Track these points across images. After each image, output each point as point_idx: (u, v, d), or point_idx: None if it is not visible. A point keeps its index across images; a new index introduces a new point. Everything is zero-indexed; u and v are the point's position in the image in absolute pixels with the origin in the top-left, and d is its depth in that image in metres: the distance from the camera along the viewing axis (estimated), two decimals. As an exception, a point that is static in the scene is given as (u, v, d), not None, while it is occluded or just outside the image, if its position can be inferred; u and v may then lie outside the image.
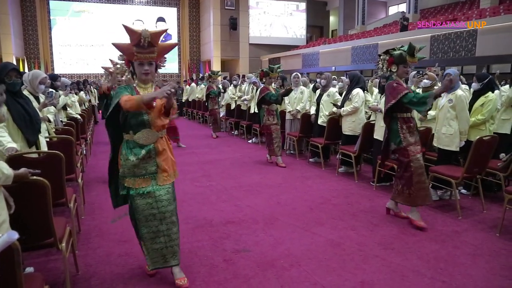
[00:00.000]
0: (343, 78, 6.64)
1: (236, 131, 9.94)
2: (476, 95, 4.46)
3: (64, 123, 5.29)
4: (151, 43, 2.44)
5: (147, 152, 2.54)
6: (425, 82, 4.80)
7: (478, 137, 3.79)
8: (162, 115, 2.55)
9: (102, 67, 5.56)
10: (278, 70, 6.21)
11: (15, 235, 1.13)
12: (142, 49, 2.43)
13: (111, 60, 5.55)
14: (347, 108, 5.47)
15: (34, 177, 2.14)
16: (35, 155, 3.02)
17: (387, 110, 3.75)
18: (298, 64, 20.71)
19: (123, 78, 2.72)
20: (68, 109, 6.16)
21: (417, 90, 5.15)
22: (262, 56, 23.81)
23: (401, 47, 3.70)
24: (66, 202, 3.10)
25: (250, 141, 8.76)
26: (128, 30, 2.43)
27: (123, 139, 2.61)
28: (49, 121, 4.14)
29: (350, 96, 5.49)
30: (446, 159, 4.33)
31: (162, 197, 2.59)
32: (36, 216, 2.15)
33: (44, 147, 3.32)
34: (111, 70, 5.29)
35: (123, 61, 2.76)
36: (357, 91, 5.47)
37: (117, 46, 2.52)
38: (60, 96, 5.29)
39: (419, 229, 3.60)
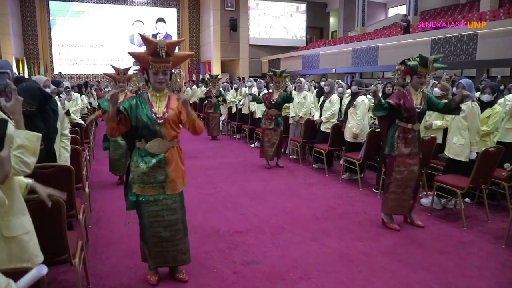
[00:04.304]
0: (343, 83, 6.66)
1: (238, 134, 9.95)
2: (483, 106, 4.44)
3: (69, 129, 5.28)
4: (167, 53, 2.47)
5: (157, 161, 2.58)
6: (436, 91, 4.82)
7: (484, 148, 3.82)
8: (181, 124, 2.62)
9: (104, 74, 5.58)
10: (284, 74, 6.23)
11: (44, 270, 1.14)
12: (157, 59, 2.47)
13: (112, 66, 5.58)
14: (354, 123, 5.47)
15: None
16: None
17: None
18: (299, 65, 20.73)
19: (137, 85, 2.74)
20: (71, 114, 6.15)
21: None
22: (262, 57, 23.82)
23: (417, 57, 3.68)
24: (75, 214, 3.12)
25: (252, 145, 8.77)
26: (145, 39, 2.47)
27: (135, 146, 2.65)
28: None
29: (354, 103, 5.52)
30: (454, 169, 4.34)
31: (169, 206, 2.66)
32: (51, 234, 2.16)
33: (61, 159, 3.29)
34: (116, 76, 5.32)
35: (138, 68, 2.77)
36: (362, 98, 5.50)
37: (133, 54, 2.56)
38: (64, 101, 5.29)
39: (394, 230, 3.87)
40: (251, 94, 6.82)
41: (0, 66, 2.09)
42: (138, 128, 2.54)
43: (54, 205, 2.14)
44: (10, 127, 1.91)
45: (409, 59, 3.72)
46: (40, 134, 1.80)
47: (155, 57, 2.45)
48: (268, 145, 6.35)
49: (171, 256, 2.76)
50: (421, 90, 3.78)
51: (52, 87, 5.13)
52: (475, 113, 4.17)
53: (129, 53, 2.56)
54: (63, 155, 3.37)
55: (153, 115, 2.52)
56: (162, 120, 2.54)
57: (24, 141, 1.70)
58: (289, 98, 6.20)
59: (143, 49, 2.58)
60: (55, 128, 3.20)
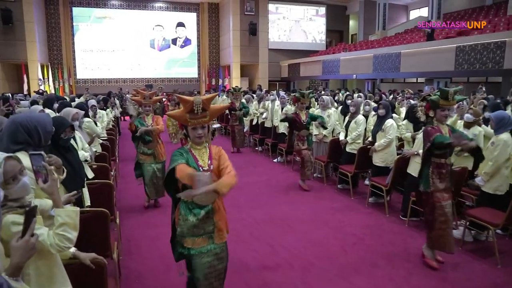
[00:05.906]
0: (371, 102, 6.60)
1: (260, 147, 9.96)
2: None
3: (97, 153, 5.38)
4: (203, 108, 2.49)
5: (206, 213, 2.59)
6: (468, 116, 4.73)
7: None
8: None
9: (131, 99, 5.67)
10: (310, 96, 6.23)
11: None
12: (195, 115, 2.49)
13: (135, 90, 5.67)
14: (381, 142, 5.43)
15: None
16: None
17: (425, 154, 3.78)
18: (318, 70, 20.60)
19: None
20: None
21: (459, 122, 5.12)
22: (282, 61, 23.79)
23: (437, 91, 3.75)
24: (110, 254, 3.17)
25: (275, 160, 8.77)
26: (181, 99, 2.51)
27: (180, 200, 2.65)
28: (85, 160, 4.22)
29: (383, 127, 5.45)
30: (488, 201, 4.25)
31: (219, 255, 2.66)
32: (94, 294, 2.21)
33: (87, 199, 3.37)
34: (142, 101, 5.41)
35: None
36: (391, 122, 5.43)
37: (171, 115, 2.60)
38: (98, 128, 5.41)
39: (431, 267, 3.76)
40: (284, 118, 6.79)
41: (40, 125, 2.13)
42: None
43: (97, 267, 2.19)
44: (42, 203, 1.96)
45: (429, 95, 3.79)
46: (79, 209, 1.87)
47: (192, 114, 2.48)
48: (309, 165, 6.37)
49: None
50: (445, 123, 3.79)
51: (81, 113, 5.24)
52: (500, 146, 4.08)
53: (167, 114, 2.60)
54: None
55: (200, 168, 2.55)
56: (209, 172, 2.56)
57: (65, 219, 1.75)
58: (315, 118, 6.23)
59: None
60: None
